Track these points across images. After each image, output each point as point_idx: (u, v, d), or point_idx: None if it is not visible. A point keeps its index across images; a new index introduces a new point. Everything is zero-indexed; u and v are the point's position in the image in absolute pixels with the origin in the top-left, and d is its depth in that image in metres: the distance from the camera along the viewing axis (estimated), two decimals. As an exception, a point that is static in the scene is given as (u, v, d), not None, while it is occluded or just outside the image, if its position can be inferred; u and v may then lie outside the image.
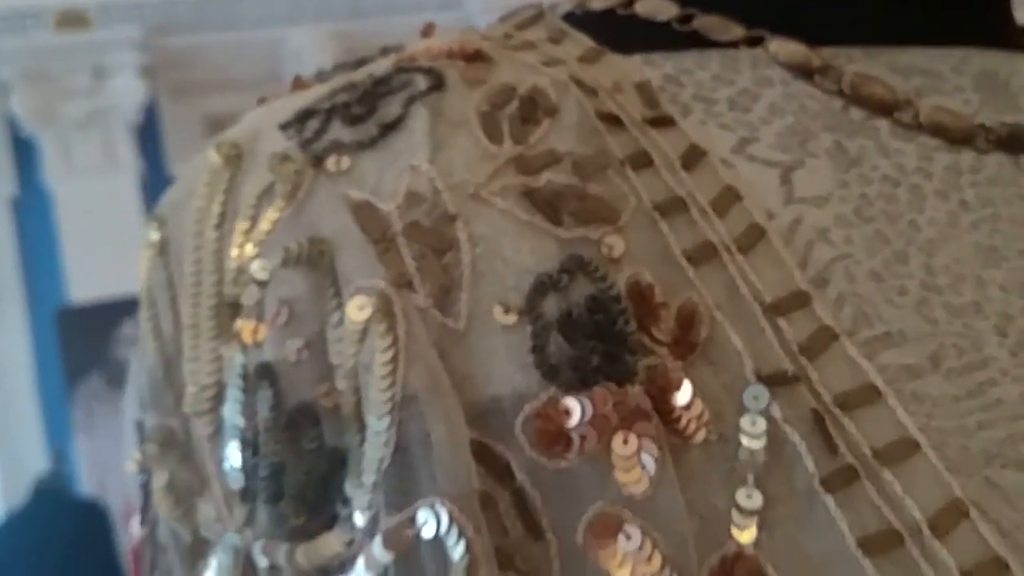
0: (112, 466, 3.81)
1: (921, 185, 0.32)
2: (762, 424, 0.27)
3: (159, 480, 0.32)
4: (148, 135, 4.16)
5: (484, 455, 0.27)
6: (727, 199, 0.30)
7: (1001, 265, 0.31)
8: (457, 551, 0.26)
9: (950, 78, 0.34)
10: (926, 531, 0.26)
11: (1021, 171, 0.33)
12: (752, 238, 0.29)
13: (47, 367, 4.35)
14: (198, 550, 0.30)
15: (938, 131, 0.33)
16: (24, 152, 4.28)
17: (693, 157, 0.31)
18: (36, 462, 3.91)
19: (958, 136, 0.33)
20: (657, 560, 0.26)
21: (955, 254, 0.31)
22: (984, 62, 0.34)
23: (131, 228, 4.10)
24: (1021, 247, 0.31)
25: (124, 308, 4.12)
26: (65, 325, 4.26)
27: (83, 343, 4.18)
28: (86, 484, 3.86)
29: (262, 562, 0.28)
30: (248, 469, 0.28)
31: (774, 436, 0.27)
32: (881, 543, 0.26)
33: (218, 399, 0.29)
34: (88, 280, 4.21)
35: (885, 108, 0.33)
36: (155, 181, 4.05)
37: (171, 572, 0.32)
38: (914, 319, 0.29)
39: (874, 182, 0.31)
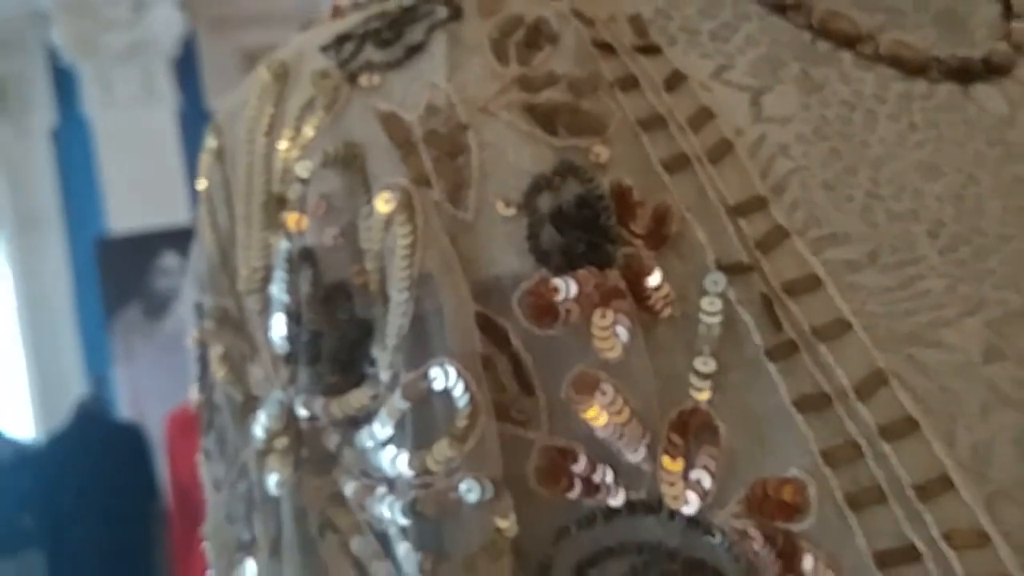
0: (150, 395, 3.89)
1: (875, 109, 0.37)
2: (719, 304, 0.32)
3: (216, 351, 0.37)
4: (186, 68, 4.20)
5: (486, 325, 0.32)
6: (702, 117, 0.35)
7: (939, 179, 0.36)
8: (462, 400, 0.31)
9: (911, 15, 0.38)
10: (851, 394, 0.32)
11: (968, 99, 0.38)
12: (721, 151, 0.34)
13: (86, 297, 4.40)
14: (248, 406, 0.36)
15: (895, 62, 0.37)
16: (64, 83, 4.31)
17: (675, 81, 0.36)
18: (76, 390, 3.99)
19: (913, 67, 0.38)
20: (626, 412, 0.32)
21: (899, 169, 0.36)
22: (945, 1, 0.39)
23: (169, 160, 4.15)
24: (959, 164, 0.36)
25: (162, 240, 4.18)
26: (104, 255, 4.30)
27: (122, 274, 4.24)
28: (125, 412, 3.94)
29: (302, 413, 0.34)
30: (292, 337, 0.34)
31: (729, 315, 0.32)
32: (812, 403, 0.32)
33: (266, 280, 0.35)
34: (127, 211, 4.25)
35: (849, 41, 0.37)
36: (192, 114, 4.09)
37: (225, 429, 0.38)
38: (857, 222, 0.34)
39: (833, 106, 0.36)
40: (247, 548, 0.37)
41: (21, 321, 4.64)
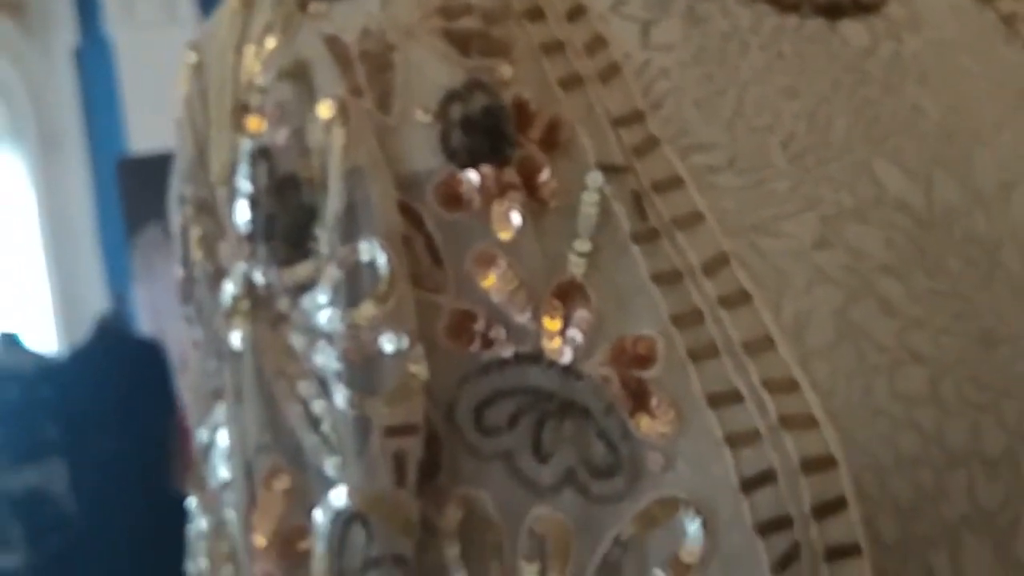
0: (170, 314, 3.97)
1: (748, 40, 0.44)
2: (596, 198, 0.40)
3: (195, 234, 0.45)
4: (206, -9, 4.22)
5: (405, 210, 0.40)
6: (597, 44, 0.42)
7: (796, 99, 0.43)
8: (384, 269, 0.39)
9: None
10: (699, 272, 0.39)
11: (834, 33, 0.45)
12: (610, 72, 0.42)
13: (107, 216, 4.46)
14: (218, 277, 0.43)
15: (773, 0, 0.44)
16: (86, 2, 4.35)
17: (576, 12, 0.43)
18: (96, 307, 4.07)
19: (788, 4, 0.44)
20: (516, 282, 0.39)
21: (763, 91, 0.43)
22: None
23: (189, 81, 4.19)
24: (816, 88, 0.43)
25: (182, 161, 4.24)
26: (125, 175, 4.35)
27: (143, 194, 4.27)
28: (144, 329, 4.01)
29: (259, 281, 0.41)
30: (252, 220, 0.42)
31: (604, 207, 0.40)
32: (666, 278, 0.39)
33: (233, 173, 0.42)
34: (148, 131, 4.28)
35: None
36: (212, 37, 4.11)
37: (201, 299, 0.45)
38: (720, 134, 0.42)
39: (712, 37, 0.43)
40: (218, 395, 0.45)
41: (43, 239, 4.72)
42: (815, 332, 0.39)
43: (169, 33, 4.25)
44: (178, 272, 0.47)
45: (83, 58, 4.52)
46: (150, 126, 4.30)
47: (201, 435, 0.47)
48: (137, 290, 4.22)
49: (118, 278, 4.32)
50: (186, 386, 0.47)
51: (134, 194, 4.32)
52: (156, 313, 4.14)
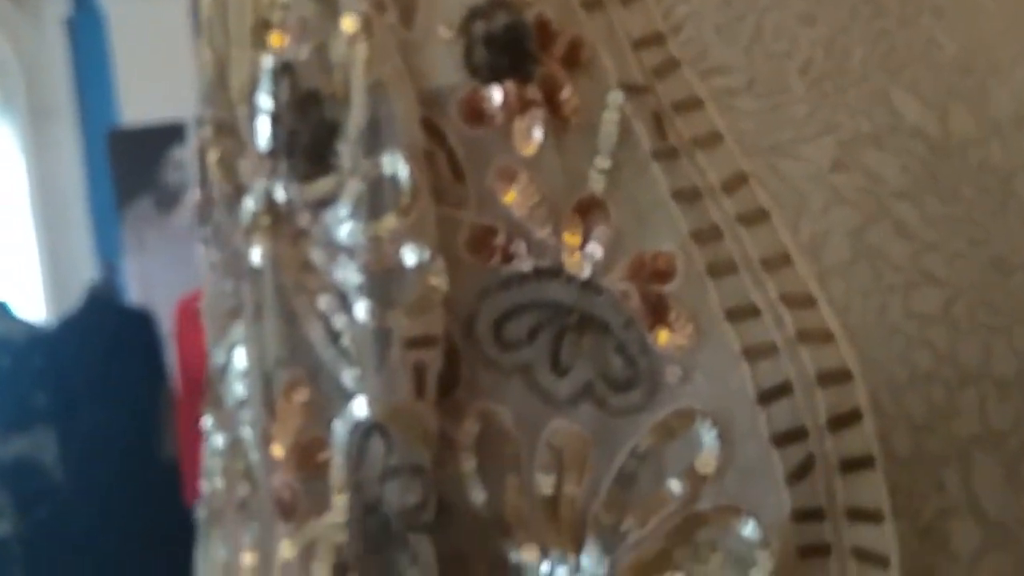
0: (160, 286, 3.97)
1: None
2: (617, 116, 0.40)
3: (213, 156, 0.45)
4: (200, -39, 4.19)
5: (428, 126, 0.40)
6: None
7: (815, 27, 0.43)
8: (407, 183, 0.39)
9: None
10: (718, 190, 0.40)
11: None
12: None
13: (98, 188, 4.44)
14: (238, 196, 0.44)
15: None
16: (79, -28, 4.32)
17: None
18: (86, 278, 4.06)
19: None
20: (537, 197, 0.40)
21: (781, 17, 0.43)
22: None
23: (183, 53, 4.19)
24: (834, 17, 0.44)
25: (175, 133, 4.23)
26: (116, 147, 4.33)
27: (133, 166, 4.27)
28: (134, 303, 4.02)
29: (281, 196, 0.42)
30: (273, 136, 0.42)
31: (625, 125, 0.40)
32: (686, 195, 0.40)
33: (254, 91, 0.43)
34: (140, 103, 4.27)
35: None
36: (206, 8, 4.09)
37: (219, 220, 0.46)
38: (740, 58, 0.42)
39: None
40: (235, 314, 0.45)
41: (34, 210, 4.70)
42: (832, 251, 0.39)
43: (162, 4, 4.23)
44: (195, 194, 0.48)
45: (75, 28, 4.50)
46: (142, 98, 4.28)
47: (217, 356, 0.47)
48: (127, 262, 4.22)
49: (108, 250, 4.31)
50: (202, 309, 0.48)
51: (125, 166, 4.31)
52: (146, 285, 4.15)
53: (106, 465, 3.50)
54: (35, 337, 3.65)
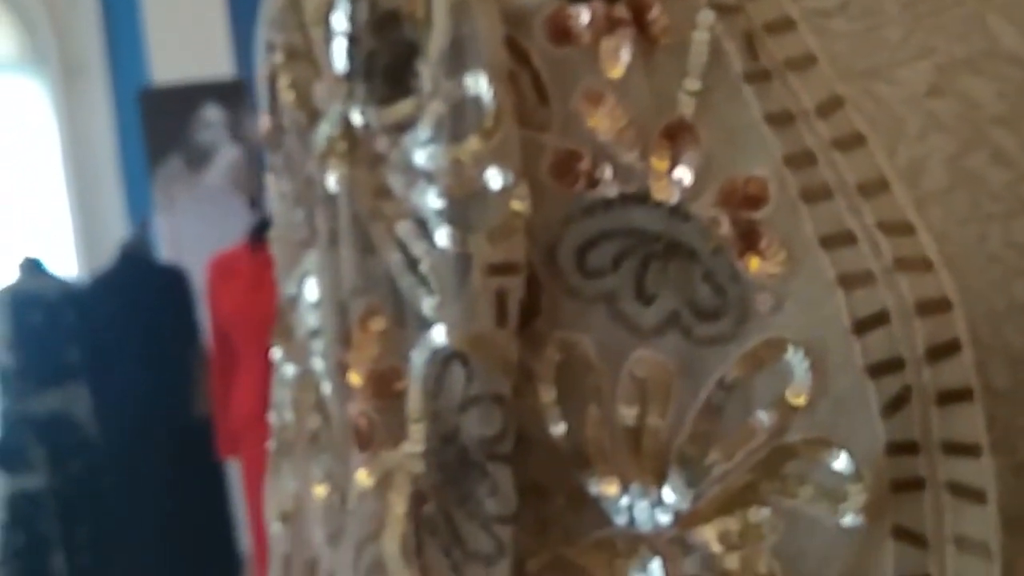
0: (190, 244, 3.98)
1: None
2: (707, 36, 0.39)
3: (284, 81, 0.44)
4: (233, -82, 4.18)
5: (512, 46, 0.39)
6: None
7: None
8: (491, 105, 0.38)
9: None
10: (812, 114, 0.38)
11: None
12: None
13: (129, 146, 4.44)
14: (312, 121, 0.43)
15: None
16: (111, -71, 4.31)
17: None
18: (118, 235, 4.07)
19: None
20: (624, 120, 0.38)
21: None
22: None
23: (214, 12, 4.17)
24: None
25: (205, 92, 4.22)
26: (147, 105, 4.33)
27: (164, 124, 4.26)
28: (167, 260, 4.02)
29: (358, 121, 0.41)
30: (350, 58, 0.41)
31: (715, 46, 0.39)
32: (779, 119, 0.38)
33: (329, 12, 0.42)
34: (171, 62, 4.26)
35: None
36: (238, -35, 4.08)
37: (291, 148, 0.45)
38: None
39: None
40: (307, 244, 0.44)
41: (65, 167, 4.71)
42: (930, 177, 0.38)
43: (194, -38, 4.21)
44: (265, 122, 0.47)
45: (107, -15, 4.48)
46: (173, 57, 4.27)
47: (287, 286, 0.46)
48: (158, 221, 4.23)
49: (139, 207, 4.32)
50: (272, 238, 0.47)
51: (156, 125, 4.31)
52: (176, 243, 4.15)
53: (138, 421, 3.52)
54: (68, 293, 3.67)
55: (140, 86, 4.39)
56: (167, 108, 4.31)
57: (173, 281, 3.66)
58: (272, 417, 0.47)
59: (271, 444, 0.47)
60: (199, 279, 3.62)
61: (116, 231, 4.21)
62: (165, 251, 4.16)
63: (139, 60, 4.42)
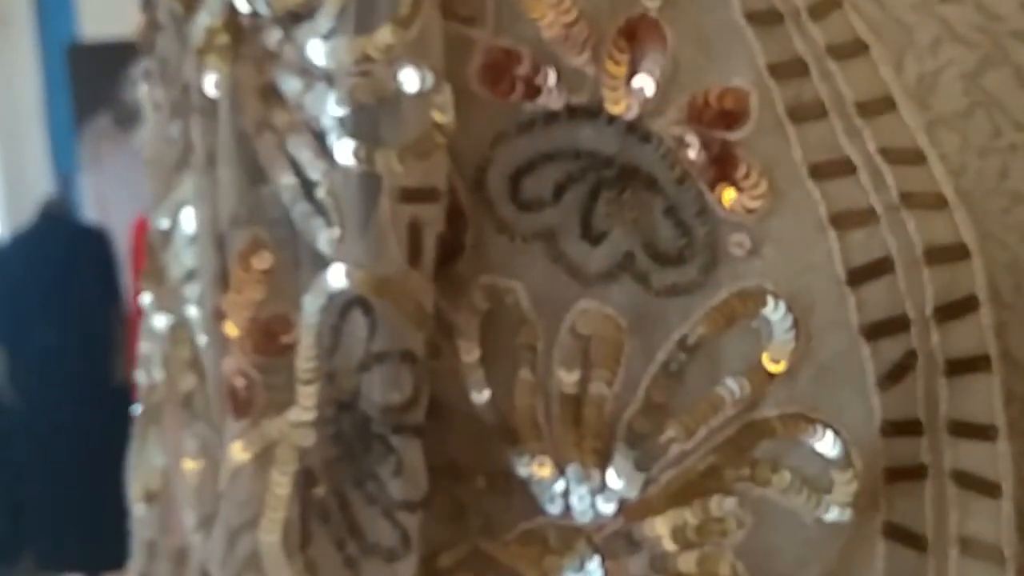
0: (117, 203, 3.87)
1: None
2: None
3: None
4: None
5: None
6: None
7: None
8: None
9: None
10: (804, 14, 0.32)
11: None
12: None
13: (56, 101, 4.33)
14: (190, 11, 0.35)
15: None
16: None
17: None
18: (42, 192, 3.96)
19: None
20: (574, 12, 0.31)
21: None
22: None
23: (145, -36, 4.04)
24: None
25: (135, 49, 4.11)
26: (75, 61, 4.23)
27: (92, 81, 4.15)
28: (91, 219, 3.93)
29: (244, 7, 0.33)
30: None
31: None
32: (764, 18, 0.31)
33: None
34: (100, 17, 4.15)
35: None
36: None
37: (167, 50, 0.37)
38: None
39: None
40: (182, 166, 0.36)
41: (-11, 120, 4.58)
42: (943, 97, 0.31)
43: (125, -87, 4.08)
44: (139, 19, 0.39)
45: (34, -65, 4.34)
46: (102, 12, 4.14)
47: (160, 219, 0.39)
48: (84, 179, 4.11)
49: (65, 163, 4.21)
50: (145, 159, 0.39)
51: (84, 81, 4.19)
52: (103, 203, 4.03)
53: (57, 386, 3.41)
54: (-15, 252, 3.54)
55: (68, 41, 4.26)
56: (96, 64, 4.19)
57: (94, 242, 3.54)
58: (139, 376, 0.39)
59: (137, 409, 0.39)
60: (124, 240, 3.51)
61: (40, 188, 4.09)
62: (90, 210, 4.05)
63: (67, 14, 4.30)
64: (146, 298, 0.39)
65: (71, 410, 3.44)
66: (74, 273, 3.48)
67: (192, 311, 0.36)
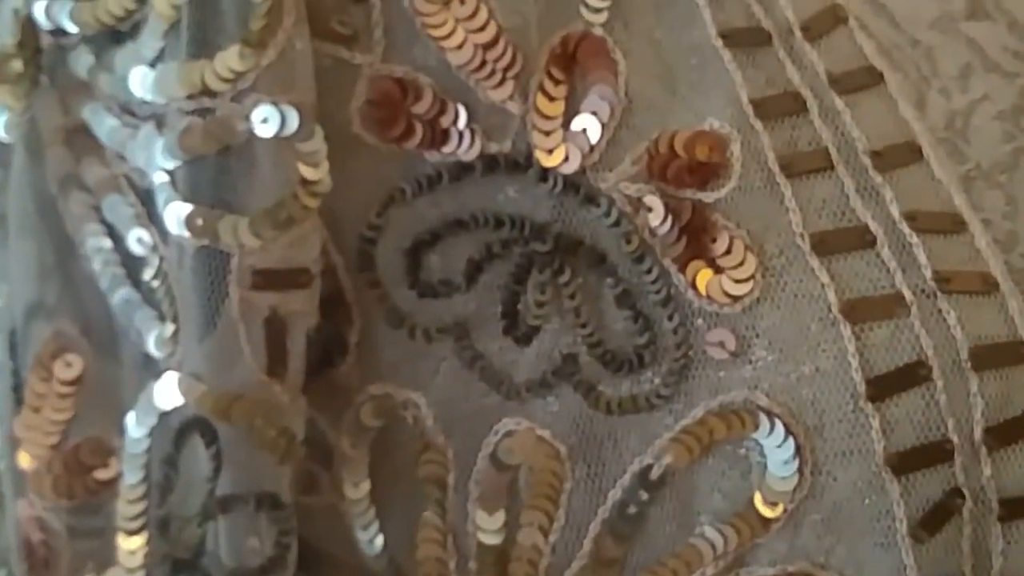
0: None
1: None
2: None
3: None
4: None
5: None
6: None
7: None
8: None
9: None
10: (797, 32, 0.25)
11: None
12: None
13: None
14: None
15: None
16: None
17: None
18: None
19: None
20: (492, 29, 0.23)
21: None
22: None
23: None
24: None
25: None
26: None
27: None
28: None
29: (43, 20, 0.26)
30: None
31: None
32: (745, 38, 0.24)
33: None
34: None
35: None
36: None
37: None
38: None
39: None
40: None
41: None
42: (980, 142, 0.27)
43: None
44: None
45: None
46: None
47: None
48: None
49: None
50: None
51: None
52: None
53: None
54: None
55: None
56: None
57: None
58: None
59: None
60: None
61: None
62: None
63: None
64: None
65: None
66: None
67: None
